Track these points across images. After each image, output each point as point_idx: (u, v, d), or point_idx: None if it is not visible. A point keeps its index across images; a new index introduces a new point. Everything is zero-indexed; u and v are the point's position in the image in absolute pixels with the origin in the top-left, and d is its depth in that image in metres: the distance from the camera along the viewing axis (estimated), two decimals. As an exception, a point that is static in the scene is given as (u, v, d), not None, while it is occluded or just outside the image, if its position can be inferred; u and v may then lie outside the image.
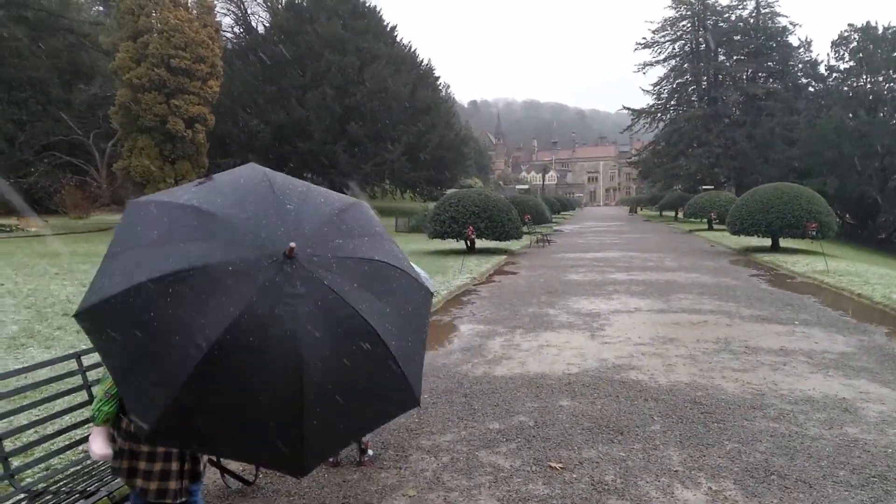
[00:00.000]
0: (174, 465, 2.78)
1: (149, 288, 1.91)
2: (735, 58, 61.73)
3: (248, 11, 64.91)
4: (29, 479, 3.68)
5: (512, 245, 22.64)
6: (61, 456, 3.84)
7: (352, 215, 2.35)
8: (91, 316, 2.06)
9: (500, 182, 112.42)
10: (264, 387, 1.96)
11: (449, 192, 29.77)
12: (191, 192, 2.22)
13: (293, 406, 1.99)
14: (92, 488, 3.24)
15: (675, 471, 4.30)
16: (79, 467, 3.61)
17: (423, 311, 2.48)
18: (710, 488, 4.03)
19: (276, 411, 2.00)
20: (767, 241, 20.88)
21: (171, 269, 1.92)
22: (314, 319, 1.99)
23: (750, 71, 60.62)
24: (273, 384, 1.97)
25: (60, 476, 3.55)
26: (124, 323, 1.97)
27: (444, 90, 66.56)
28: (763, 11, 60.04)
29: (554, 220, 41.95)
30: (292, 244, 1.97)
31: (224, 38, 40.94)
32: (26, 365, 4.01)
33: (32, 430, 3.83)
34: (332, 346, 2.03)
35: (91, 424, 2.82)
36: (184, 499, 2.84)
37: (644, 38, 65.01)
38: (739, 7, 61.10)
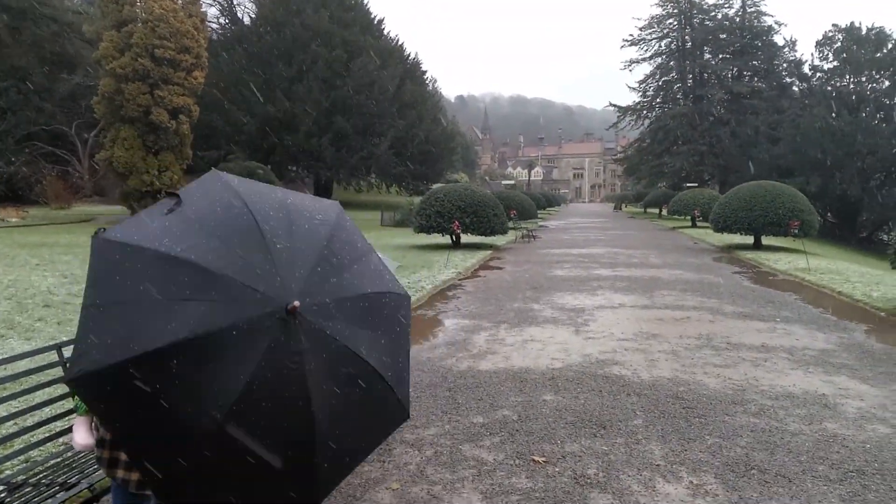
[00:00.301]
0: None
1: (151, 359, 1.83)
2: (720, 56, 62.08)
3: (234, 2, 64.29)
4: (8, 472, 3.64)
5: (497, 240, 22.67)
6: (41, 448, 3.81)
7: (339, 239, 2.27)
8: (86, 384, 1.96)
9: (487, 177, 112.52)
10: (277, 445, 1.96)
11: (435, 186, 29.77)
12: (168, 231, 2.04)
13: (305, 456, 2.01)
14: (72, 480, 3.21)
15: (657, 465, 4.33)
16: (59, 459, 3.57)
17: (406, 321, 2.49)
18: (691, 482, 4.06)
19: (288, 463, 2.01)
20: (750, 239, 21.06)
21: (174, 338, 1.82)
22: (321, 373, 1.98)
23: (735, 69, 61.01)
24: (285, 441, 1.97)
25: (40, 468, 3.52)
26: (126, 395, 1.88)
27: (431, 84, 66.72)
28: (749, 10, 60.44)
29: (539, 215, 42.04)
30: (296, 303, 1.89)
31: (209, 29, 40.54)
32: (6, 356, 3.96)
33: (12, 422, 3.78)
34: (339, 395, 2.04)
35: (72, 416, 2.79)
36: None
37: (631, 35, 65.13)
38: (725, 6, 61.47)
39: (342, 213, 2.47)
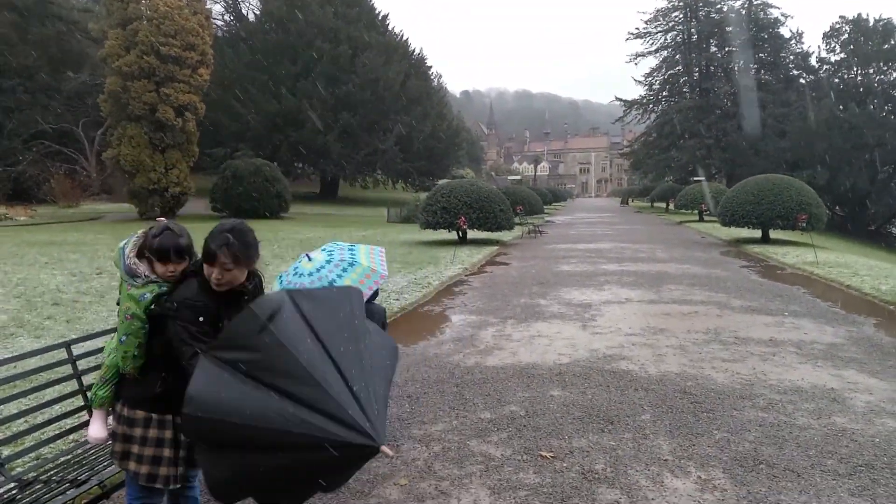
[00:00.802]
0: (166, 452, 2.78)
1: (262, 429, 2.17)
2: (727, 49, 61.79)
3: (239, -1, 64.45)
4: (19, 469, 3.67)
5: (504, 236, 22.64)
6: (52, 445, 3.83)
7: (385, 373, 2.63)
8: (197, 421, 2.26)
9: (492, 172, 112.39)
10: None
11: (441, 182, 29.70)
12: (273, 369, 2.30)
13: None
14: (83, 477, 3.22)
15: (665, 460, 4.33)
16: (69, 456, 3.59)
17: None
18: (699, 477, 4.06)
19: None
20: (758, 233, 20.96)
21: (280, 437, 2.17)
22: None
23: (741, 62, 60.69)
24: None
25: (51, 465, 3.54)
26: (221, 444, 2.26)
27: (436, 80, 66.68)
28: (755, 3, 60.09)
29: (546, 210, 41.99)
30: (391, 452, 2.29)
31: (214, 26, 40.57)
32: (16, 354, 3.98)
33: (22, 420, 3.81)
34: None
35: (81, 413, 2.81)
36: (178, 485, 2.85)
37: (636, 29, 64.96)
38: (732, -2, 61.16)
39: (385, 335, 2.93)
